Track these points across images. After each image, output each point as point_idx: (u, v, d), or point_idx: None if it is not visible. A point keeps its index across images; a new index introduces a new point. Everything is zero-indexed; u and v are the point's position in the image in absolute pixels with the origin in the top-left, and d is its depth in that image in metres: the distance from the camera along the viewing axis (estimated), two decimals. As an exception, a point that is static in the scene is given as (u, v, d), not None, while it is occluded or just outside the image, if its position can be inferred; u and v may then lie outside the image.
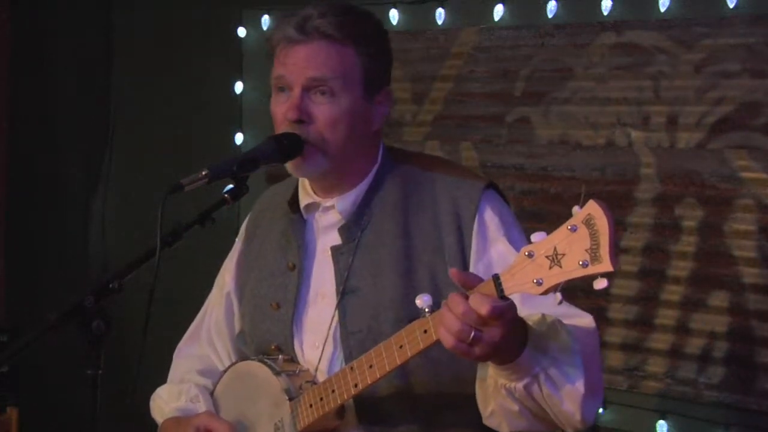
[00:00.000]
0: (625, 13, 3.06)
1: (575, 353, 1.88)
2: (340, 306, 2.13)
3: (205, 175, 1.96)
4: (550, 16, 3.18)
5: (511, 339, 1.80)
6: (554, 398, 1.87)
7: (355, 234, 2.15)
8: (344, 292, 2.13)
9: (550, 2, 3.17)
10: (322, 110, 2.08)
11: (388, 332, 1.96)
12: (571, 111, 3.16)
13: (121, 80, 4.32)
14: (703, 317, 2.93)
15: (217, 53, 4.00)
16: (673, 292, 2.98)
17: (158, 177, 4.02)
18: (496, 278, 1.75)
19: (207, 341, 2.41)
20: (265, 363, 2.17)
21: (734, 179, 2.88)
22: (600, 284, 1.64)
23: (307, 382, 2.13)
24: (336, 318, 2.13)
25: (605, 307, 3.06)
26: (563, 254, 1.66)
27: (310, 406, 2.07)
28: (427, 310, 1.85)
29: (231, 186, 2.02)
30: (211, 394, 2.33)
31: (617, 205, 3.01)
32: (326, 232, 2.20)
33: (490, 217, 2.10)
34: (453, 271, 1.82)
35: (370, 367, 1.95)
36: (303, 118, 2.08)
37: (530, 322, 1.89)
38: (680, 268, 2.97)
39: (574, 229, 1.66)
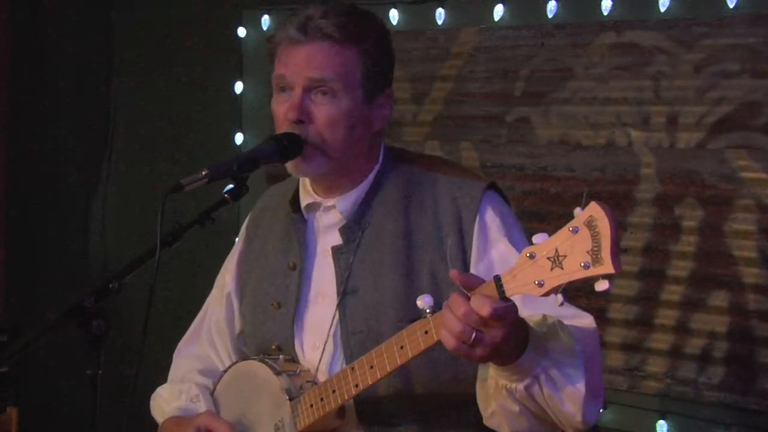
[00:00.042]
0: (625, 13, 3.06)
1: (576, 354, 1.88)
2: (341, 306, 2.13)
3: (205, 175, 1.96)
4: (550, 16, 3.18)
5: (513, 340, 1.80)
6: (555, 399, 1.87)
7: (356, 234, 2.15)
8: (345, 292, 2.13)
9: (550, 2, 3.18)
10: (322, 111, 2.08)
11: (389, 332, 1.96)
12: (571, 111, 3.16)
13: (121, 80, 4.32)
14: (703, 317, 2.93)
15: (217, 53, 4.00)
16: (673, 292, 2.98)
17: (158, 177, 4.03)
18: (497, 279, 1.75)
19: (207, 341, 2.41)
20: (265, 363, 2.17)
21: (734, 179, 2.88)
22: (602, 286, 1.64)
23: (308, 382, 2.13)
24: (336, 318, 2.13)
25: (605, 308, 3.06)
26: (565, 256, 1.66)
27: (311, 406, 2.07)
28: (428, 310, 1.85)
29: (231, 186, 2.02)
30: (212, 393, 2.33)
31: (617, 205, 3.02)
32: (327, 232, 2.20)
33: (491, 218, 2.10)
34: (454, 273, 1.82)
35: (371, 367, 1.95)
36: (303, 118, 2.08)
37: (531, 323, 1.88)
38: (680, 268, 2.97)
39: (575, 231, 1.65)
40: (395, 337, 1.91)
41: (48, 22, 4.41)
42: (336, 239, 2.17)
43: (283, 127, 2.10)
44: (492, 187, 2.16)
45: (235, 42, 3.90)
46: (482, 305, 1.73)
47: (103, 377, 1.84)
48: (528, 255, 1.71)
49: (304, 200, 2.22)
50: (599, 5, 3.09)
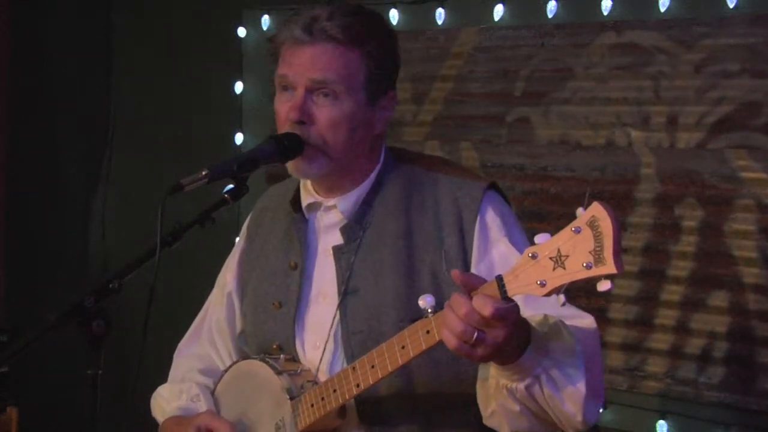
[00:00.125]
0: (625, 13, 3.06)
1: (577, 354, 1.88)
2: (342, 306, 2.13)
3: (205, 175, 1.96)
4: (550, 16, 3.18)
5: (514, 340, 1.80)
6: (555, 399, 1.87)
7: (357, 234, 2.15)
8: (346, 292, 2.13)
9: (550, 2, 3.18)
10: (324, 112, 2.08)
11: (390, 332, 1.96)
12: (571, 111, 3.16)
13: (121, 80, 4.31)
14: (703, 317, 2.93)
15: (217, 53, 4.00)
16: (673, 292, 2.98)
17: (158, 177, 4.02)
18: (499, 279, 1.75)
19: (208, 340, 2.41)
20: (266, 362, 2.17)
21: (734, 179, 2.88)
22: (603, 286, 1.64)
23: (309, 381, 2.13)
24: (337, 318, 2.13)
25: (605, 308, 3.06)
26: (567, 256, 1.66)
27: (312, 405, 2.07)
28: (429, 310, 1.85)
29: (231, 186, 2.01)
30: (212, 393, 2.33)
31: (617, 205, 3.01)
32: (328, 232, 2.20)
33: (491, 218, 2.10)
34: (455, 273, 1.82)
35: (372, 367, 1.95)
36: (304, 119, 2.08)
37: (532, 323, 1.88)
38: (680, 268, 2.97)
39: (577, 231, 1.65)
40: (397, 337, 1.91)
41: (48, 22, 4.41)
42: (337, 239, 2.17)
43: (284, 126, 2.10)
44: (492, 187, 2.16)
45: (235, 42, 3.90)
46: (484, 305, 1.73)
47: (103, 377, 1.84)
48: (530, 255, 1.70)
49: (305, 200, 2.22)
50: (599, 5, 3.09)
